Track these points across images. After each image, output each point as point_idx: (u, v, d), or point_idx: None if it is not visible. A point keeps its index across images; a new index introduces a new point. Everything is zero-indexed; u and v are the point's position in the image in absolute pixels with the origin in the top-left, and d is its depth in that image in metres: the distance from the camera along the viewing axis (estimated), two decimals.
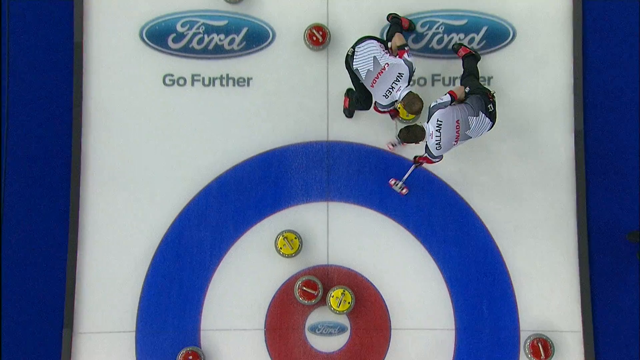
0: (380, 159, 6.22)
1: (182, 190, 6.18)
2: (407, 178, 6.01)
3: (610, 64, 6.23)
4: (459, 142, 5.41)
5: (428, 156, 5.55)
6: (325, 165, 6.20)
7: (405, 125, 5.58)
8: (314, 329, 6.09)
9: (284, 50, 6.29)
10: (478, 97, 5.47)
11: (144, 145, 6.21)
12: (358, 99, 5.84)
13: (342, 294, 6.01)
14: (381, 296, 6.11)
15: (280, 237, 6.08)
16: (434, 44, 6.25)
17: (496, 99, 5.51)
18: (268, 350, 6.08)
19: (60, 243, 6.10)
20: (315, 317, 6.11)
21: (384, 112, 5.76)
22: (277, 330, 6.09)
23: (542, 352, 5.91)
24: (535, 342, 5.94)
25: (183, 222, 6.17)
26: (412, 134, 5.36)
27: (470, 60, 5.99)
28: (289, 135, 6.22)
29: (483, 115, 5.40)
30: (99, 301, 6.07)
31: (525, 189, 6.17)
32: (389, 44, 5.72)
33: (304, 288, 6.01)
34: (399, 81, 5.40)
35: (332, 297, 6.01)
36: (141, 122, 6.23)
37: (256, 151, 6.21)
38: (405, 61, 5.44)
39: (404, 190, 6.10)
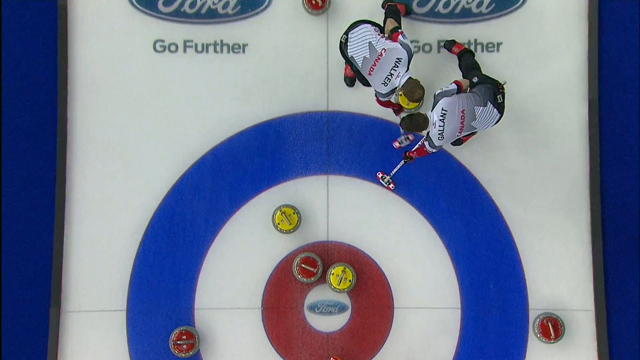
0: (383, 130, 5.99)
1: (175, 163, 5.96)
2: (395, 173, 5.83)
3: (628, 29, 5.95)
4: (462, 133, 5.18)
5: (427, 145, 5.30)
6: (325, 136, 5.99)
7: (408, 113, 5.37)
8: (313, 308, 5.91)
9: (281, 15, 6.02)
10: (487, 87, 5.21)
11: (134, 115, 5.97)
12: (359, 78, 5.56)
13: (343, 271, 5.83)
14: (384, 274, 5.93)
15: (278, 212, 5.89)
16: (440, 7, 5.95)
17: (506, 91, 5.28)
18: (265, 330, 5.91)
19: (47, 218, 5.89)
20: (315, 295, 5.93)
21: (385, 102, 5.51)
22: (275, 310, 5.92)
23: (552, 332, 5.71)
24: (545, 321, 5.75)
25: (176, 196, 5.95)
26: (415, 122, 5.10)
27: (468, 56, 5.76)
28: (286, 105, 5.98)
29: (491, 106, 5.15)
30: (87, 279, 5.88)
31: (536, 163, 5.95)
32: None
33: (303, 265, 5.83)
34: (397, 67, 5.13)
35: (332, 274, 5.84)
36: (131, 90, 5.98)
37: (252, 122, 5.98)
38: (402, 44, 5.14)
39: (391, 186, 5.92)
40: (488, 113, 5.15)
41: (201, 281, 5.90)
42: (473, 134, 5.36)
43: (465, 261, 5.89)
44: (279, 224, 5.87)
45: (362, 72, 5.26)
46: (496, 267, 5.88)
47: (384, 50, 5.12)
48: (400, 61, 5.12)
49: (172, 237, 5.93)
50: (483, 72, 5.44)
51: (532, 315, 5.83)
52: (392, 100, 5.46)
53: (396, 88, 5.20)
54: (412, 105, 5.76)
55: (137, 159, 5.95)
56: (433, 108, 5.12)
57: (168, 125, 5.96)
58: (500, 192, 5.94)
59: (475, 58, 5.76)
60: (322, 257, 5.88)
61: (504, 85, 5.26)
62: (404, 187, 5.96)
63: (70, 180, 5.92)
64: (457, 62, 5.76)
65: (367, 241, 5.94)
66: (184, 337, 5.77)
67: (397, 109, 5.75)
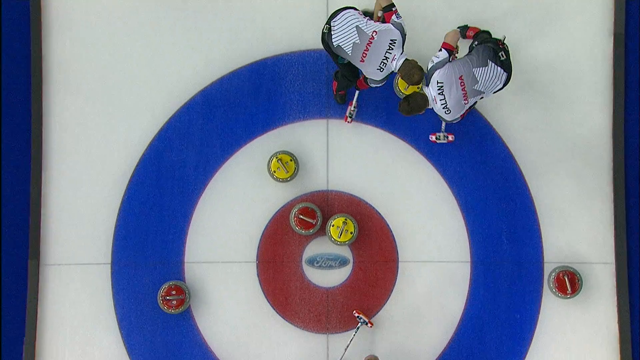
0: None
1: (162, 105, 5.65)
2: (445, 127, 5.55)
3: None
4: (469, 100, 4.90)
5: (443, 119, 5.06)
6: (324, 77, 5.67)
7: (403, 97, 4.99)
8: (312, 262, 5.61)
9: None
10: (485, 46, 4.93)
11: (118, 52, 5.67)
12: (344, 75, 5.28)
13: (344, 222, 5.54)
14: (387, 225, 5.63)
15: (274, 159, 5.58)
16: None
17: (508, 47, 4.91)
18: (261, 286, 5.61)
19: (23, 164, 5.59)
20: (314, 248, 5.65)
21: (373, 86, 5.09)
22: (271, 264, 5.62)
23: (568, 286, 5.43)
24: (561, 275, 5.46)
25: (163, 141, 5.65)
26: (414, 104, 4.84)
27: (483, 35, 5.37)
28: (282, 43, 5.67)
29: (493, 64, 4.86)
30: (68, 230, 5.62)
31: (554, 103, 5.59)
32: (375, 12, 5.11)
33: (301, 216, 5.55)
34: (392, 49, 4.81)
35: (333, 226, 5.55)
36: (113, 25, 5.67)
37: (245, 61, 5.66)
38: (395, 24, 4.83)
39: (450, 137, 5.60)
40: (491, 73, 4.86)
41: (191, 233, 5.62)
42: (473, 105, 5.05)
43: (475, 212, 5.61)
44: (275, 171, 5.57)
45: (352, 61, 4.91)
46: (509, 218, 5.60)
47: (375, 33, 4.81)
48: (395, 43, 4.81)
49: (159, 186, 5.64)
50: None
51: (547, 269, 5.57)
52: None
53: (392, 73, 4.91)
54: (411, 89, 5.47)
55: (120, 101, 5.63)
56: (428, 84, 4.88)
57: (154, 63, 5.68)
58: (516, 138, 5.62)
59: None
60: (321, 208, 5.60)
61: (504, 41, 4.93)
62: (410, 133, 5.63)
63: (47, 124, 5.62)
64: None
65: (369, 190, 5.64)
66: (174, 292, 5.49)
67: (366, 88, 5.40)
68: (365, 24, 4.83)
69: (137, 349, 5.52)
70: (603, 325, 5.52)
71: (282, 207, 5.64)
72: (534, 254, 5.57)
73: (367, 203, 5.63)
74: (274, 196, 5.65)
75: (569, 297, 5.45)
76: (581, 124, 5.61)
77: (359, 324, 5.44)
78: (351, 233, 5.55)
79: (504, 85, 4.91)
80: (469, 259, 5.58)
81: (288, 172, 5.57)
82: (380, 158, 5.63)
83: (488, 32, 5.40)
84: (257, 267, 5.61)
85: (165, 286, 5.50)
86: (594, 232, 5.58)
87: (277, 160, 5.56)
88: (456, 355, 5.53)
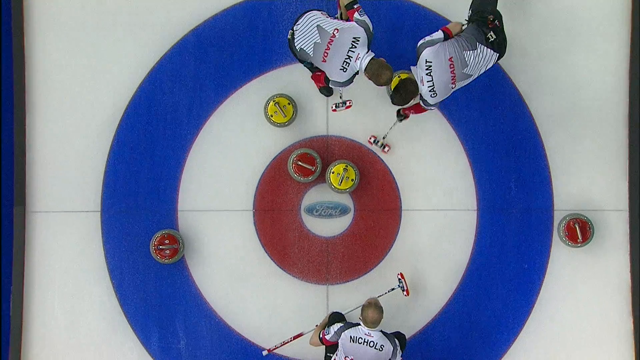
0: (392, 8, 5.43)
1: (152, 44, 5.43)
2: (388, 134, 5.34)
3: None
4: (457, 83, 4.74)
5: (423, 105, 4.85)
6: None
7: (393, 88, 4.80)
8: (311, 210, 5.42)
9: None
10: (475, 27, 4.75)
11: None
12: (321, 88, 5.20)
13: (345, 169, 5.34)
14: (390, 171, 5.43)
15: (271, 103, 5.36)
16: None
17: (500, 23, 4.70)
18: (258, 235, 5.43)
19: (5, 106, 5.36)
20: (313, 196, 5.45)
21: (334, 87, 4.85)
22: (268, 212, 5.43)
23: (579, 235, 5.24)
24: (571, 223, 5.27)
25: (154, 82, 5.43)
26: (406, 92, 4.69)
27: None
28: None
29: (483, 47, 4.71)
30: (55, 176, 5.43)
31: (569, 50, 5.36)
32: (338, 12, 4.93)
33: (300, 163, 5.34)
34: (355, 47, 4.60)
35: (333, 173, 5.35)
36: None
37: None
38: (358, 22, 4.64)
39: (386, 149, 5.38)
40: (480, 56, 4.71)
41: (184, 180, 5.43)
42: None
43: (483, 157, 5.41)
44: (272, 115, 5.36)
45: (315, 63, 4.67)
46: (518, 164, 5.40)
47: (336, 31, 4.62)
48: (358, 41, 4.61)
49: (150, 130, 5.45)
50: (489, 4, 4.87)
51: (558, 216, 5.38)
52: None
53: (357, 74, 4.68)
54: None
55: (107, 41, 5.41)
56: (416, 62, 4.70)
57: (142, 1, 5.40)
58: (526, 80, 5.39)
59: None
60: (321, 154, 5.40)
61: (494, 20, 4.69)
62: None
63: (30, 65, 5.40)
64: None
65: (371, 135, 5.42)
66: (167, 241, 5.30)
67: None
68: (326, 22, 4.67)
69: (129, 299, 5.36)
70: (614, 275, 5.36)
71: (279, 153, 5.44)
72: (543, 201, 5.38)
73: (368, 149, 5.43)
74: (271, 142, 5.45)
75: (579, 246, 5.27)
76: (597, 69, 5.38)
77: (397, 286, 5.24)
78: (352, 180, 5.36)
79: (494, 63, 4.77)
80: (475, 206, 5.40)
81: (286, 116, 5.36)
82: (382, 101, 5.37)
83: None
84: (253, 216, 5.42)
85: (157, 235, 5.31)
86: (607, 178, 5.39)
87: (275, 104, 5.34)
88: (461, 307, 5.37)
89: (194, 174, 5.41)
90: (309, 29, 4.68)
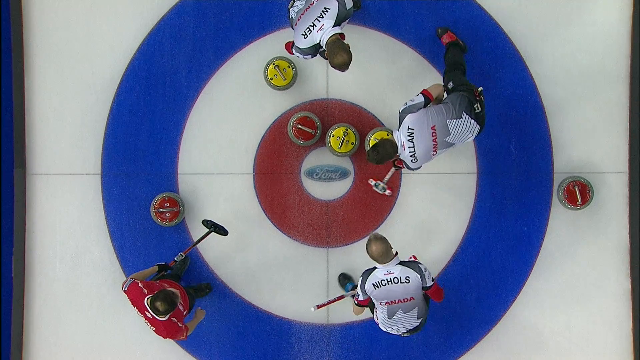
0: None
1: (151, 5, 5.34)
2: (388, 179, 5.29)
3: None
4: (438, 151, 4.62)
5: (407, 167, 4.75)
6: None
7: (371, 145, 4.74)
8: (311, 174, 5.37)
9: None
10: (462, 95, 4.61)
11: None
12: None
13: (345, 133, 5.29)
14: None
15: (271, 65, 5.29)
16: None
17: (484, 98, 4.60)
18: (258, 198, 5.39)
19: (4, 67, 5.28)
20: (313, 159, 5.41)
21: (296, 54, 4.69)
22: (268, 175, 5.39)
23: (579, 197, 5.22)
24: (571, 185, 5.24)
25: (152, 45, 5.35)
26: (383, 152, 4.55)
27: (456, 50, 5.07)
28: None
29: (467, 117, 4.58)
30: (54, 138, 5.38)
31: (570, 10, 5.26)
32: None
33: (300, 126, 5.29)
34: (322, 17, 4.44)
35: (333, 136, 5.30)
36: None
37: None
38: None
39: (387, 192, 5.31)
40: (464, 126, 4.59)
41: (184, 143, 5.37)
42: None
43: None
44: (271, 78, 5.28)
45: (293, 27, 4.58)
46: (518, 127, 5.34)
47: (316, 0, 4.52)
48: (327, 12, 4.46)
49: (149, 93, 5.36)
50: (464, 75, 4.84)
51: (557, 179, 5.34)
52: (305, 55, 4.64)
53: (317, 46, 4.49)
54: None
55: (106, 1, 5.29)
56: (399, 127, 4.58)
57: None
58: (527, 41, 5.31)
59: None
60: (321, 117, 5.34)
61: (481, 92, 4.59)
62: (414, 36, 5.30)
63: (29, 26, 5.31)
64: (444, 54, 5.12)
65: (372, 99, 5.37)
66: (167, 204, 5.28)
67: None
68: None
69: (130, 261, 5.35)
70: (614, 237, 5.34)
71: (279, 116, 5.37)
72: (543, 164, 5.33)
73: (369, 112, 5.37)
74: (271, 105, 5.38)
75: (579, 208, 5.25)
76: (598, 31, 5.29)
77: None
78: (352, 144, 5.30)
79: (476, 136, 4.66)
80: (475, 169, 5.35)
81: (286, 79, 5.29)
82: (383, 64, 5.32)
83: (462, 48, 5.07)
84: (254, 179, 5.38)
85: (158, 198, 5.29)
86: (607, 140, 5.34)
87: (274, 67, 5.27)
88: (460, 269, 5.36)
89: (194, 137, 5.36)
90: None
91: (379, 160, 4.58)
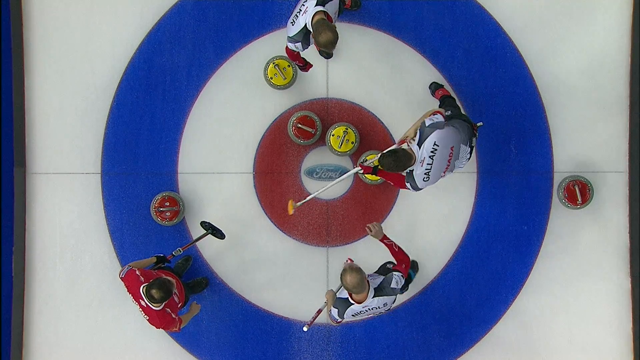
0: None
1: (152, 4, 5.34)
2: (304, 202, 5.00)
3: None
4: (446, 173, 4.51)
5: (407, 184, 4.52)
6: None
7: (388, 150, 4.45)
8: (311, 173, 5.38)
9: None
10: (467, 126, 4.58)
11: None
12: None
13: (345, 132, 5.29)
14: (390, 135, 5.38)
15: (271, 65, 5.29)
16: None
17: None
18: (258, 197, 5.40)
19: (4, 66, 5.28)
20: (313, 159, 5.42)
21: (292, 53, 4.63)
22: (268, 175, 5.39)
23: (579, 196, 5.22)
24: (571, 185, 5.25)
25: (152, 44, 5.36)
26: (398, 160, 4.33)
27: (450, 100, 5.00)
28: None
29: (469, 147, 4.56)
30: (55, 137, 5.39)
31: (571, 9, 5.27)
32: None
33: (300, 125, 5.29)
34: (306, 1, 4.37)
35: (333, 135, 5.31)
36: None
37: None
38: None
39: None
40: (465, 154, 4.57)
41: (184, 142, 5.37)
42: None
43: (483, 119, 5.11)
44: (272, 78, 5.28)
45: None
46: (518, 126, 5.33)
47: None
48: None
49: (149, 92, 5.37)
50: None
51: (557, 178, 5.35)
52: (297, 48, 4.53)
53: (305, 33, 4.39)
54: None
55: (106, 0, 5.29)
56: (422, 142, 4.38)
57: None
58: (527, 41, 5.30)
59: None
60: (321, 116, 5.33)
61: (477, 127, 4.61)
62: (414, 36, 5.30)
63: (29, 25, 5.31)
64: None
65: (372, 98, 5.36)
66: (167, 203, 5.29)
67: (303, 65, 4.96)
68: None
69: (129, 260, 5.28)
70: (613, 236, 5.34)
71: (279, 115, 5.37)
72: (543, 164, 5.33)
73: (369, 111, 5.37)
74: (271, 104, 5.37)
75: (579, 208, 5.26)
76: (598, 30, 5.29)
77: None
78: (352, 143, 5.31)
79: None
80: (475, 169, 5.35)
81: (286, 78, 5.29)
82: (383, 64, 5.32)
83: (454, 99, 5.04)
84: (254, 179, 5.38)
85: (158, 197, 5.30)
86: (606, 140, 5.34)
87: (274, 66, 5.27)
88: (460, 268, 5.36)
89: (194, 136, 5.36)
90: None
91: (391, 167, 4.35)
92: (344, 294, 4.33)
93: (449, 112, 4.62)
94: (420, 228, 5.37)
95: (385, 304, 4.35)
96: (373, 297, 4.34)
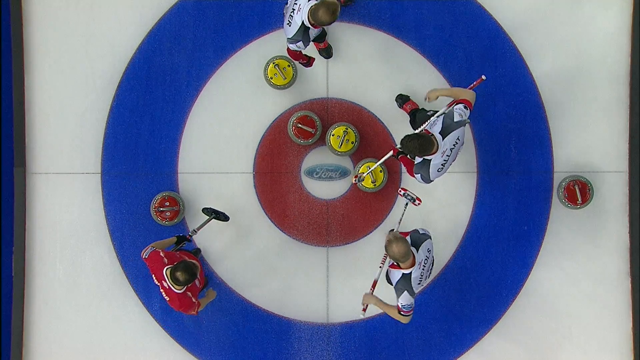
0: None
1: (151, 5, 5.32)
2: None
3: None
4: (449, 170, 4.54)
5: (420, 179, 4.50)
6: None
7: (413, 133, 4.40)
8: (311, 173, 5.36)
9: None
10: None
11: None
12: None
13: (345, 132, 5.29)
14: (390, 135, 5.36)
15: (271, 65, 5.28)
16: None
17: None
18: (258, 197, 5.39)
19: (4, 65, 5.28)
20: (313, 159, 5.41)
21: (293, 52, 4.66)
22: (268, 175, 5.38)
23: (579, 196, 5.22)
24: (571, 184, 5.24)
25: (152, 44, 5.34)
26: (422, 145, 4.27)
27: (421, 115, 4.91)
28: None
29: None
30: (55, 137, 5.38)
31: (569, 5, 5.25)
32: None
33: (300, 125, 5.28)
34: (297, 1, 4.40)
35: (333, 135, 5.30)
36: None
37: None
38: None
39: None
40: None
41: (184, 142, 5.36)
42: None
43: (483, 119, 5.30)
44: (271, 78, 5.28)
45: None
46: (518, 126, 5.32)
47: None
48: None
49: (149, 92, 5.36)
50: None
51: (557, 178, 5.34)
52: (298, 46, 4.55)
53: (303, 29, 4.39)
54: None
55: (106, 0, 5.29)
56: (446, 134, 4.37)
57: None
58: (527, 41, 5.29)
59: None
60: (321, 116, 5.33)
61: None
62: (414, 36, 5.29)
63: (29, 24, 5.29)
64: (409, 117, 5.08)
65: (372, 98, 5.36)
66: (167, 203, 5.29)
67: (306, 61, 4.98)
68: None
69: (130, 260, 5.36)
70: (614, 236, 5.33)
71: (279, 115, 5.36)
72: (543, 163, 5.32)
73: (369, 111, 5.36)
74: (271, 104, 5.37)
75: (579, 208, 5.25)
76: (598, 29, 5.28)
77: (407, 201, 4.94)
78: (352, 143, 5.30)
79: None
80: (475, 169, 5.34)
81: (286, 78, 5.28)
82: (382, 63, 5.31)
83: (425, 111, 4.94)
84: (254, 179, 5.38)
85: (158, 197, 5.30)
86: (606, 139, 5.33)
87: (274, 66, 5.26)
88: (460, 268, 5.35)
89: (194, 136, 5.35)
90: None
91: (414, 149, 4.29)
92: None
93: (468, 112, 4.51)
94: (420, 227, 5.34)
95: (428, 250, 4.37)
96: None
